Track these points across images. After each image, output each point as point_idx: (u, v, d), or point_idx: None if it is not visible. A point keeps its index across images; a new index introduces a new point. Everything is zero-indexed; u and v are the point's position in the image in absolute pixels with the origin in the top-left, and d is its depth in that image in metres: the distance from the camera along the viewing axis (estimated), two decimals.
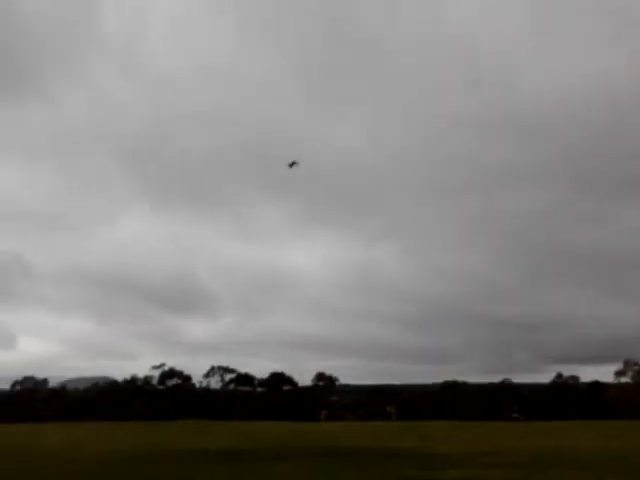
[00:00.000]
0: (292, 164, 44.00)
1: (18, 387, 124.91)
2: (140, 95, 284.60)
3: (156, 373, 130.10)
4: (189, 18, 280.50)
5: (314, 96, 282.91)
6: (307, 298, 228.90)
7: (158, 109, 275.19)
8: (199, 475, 21.98)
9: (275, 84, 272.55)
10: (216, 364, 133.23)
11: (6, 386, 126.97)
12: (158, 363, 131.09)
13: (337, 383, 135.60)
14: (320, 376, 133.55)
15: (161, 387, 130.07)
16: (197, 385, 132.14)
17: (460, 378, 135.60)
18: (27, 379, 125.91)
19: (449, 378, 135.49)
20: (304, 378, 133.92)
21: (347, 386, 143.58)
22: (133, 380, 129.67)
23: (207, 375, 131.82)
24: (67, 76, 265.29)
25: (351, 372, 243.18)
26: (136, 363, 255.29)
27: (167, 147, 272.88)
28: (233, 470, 23.80)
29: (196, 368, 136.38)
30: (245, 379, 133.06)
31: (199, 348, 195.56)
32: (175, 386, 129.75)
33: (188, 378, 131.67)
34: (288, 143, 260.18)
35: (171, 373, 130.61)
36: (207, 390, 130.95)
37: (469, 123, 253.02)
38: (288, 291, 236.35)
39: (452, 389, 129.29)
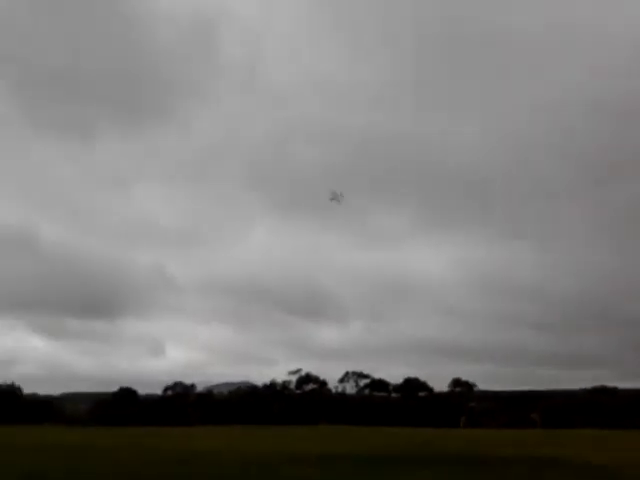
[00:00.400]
0: (334, 198, 43.31)
1: (169, 392, 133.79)
2: (261, 112, 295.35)
3: (293, 378, 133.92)
4: (304, 35, 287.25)
5: (432, 97, 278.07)
6: (436, 301, 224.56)
7: (278, 125, 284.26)
8: (340, 478, 22.09)
9: (390, 90, 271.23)
10: (349, 369, 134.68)
11: (158, 391, 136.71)
12: (294, 368, 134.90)
13: (475, 389, 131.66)
14: (457, 382, 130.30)
15: (298, 392, 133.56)
16: (333, 390, 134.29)
17: (609, 383, 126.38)
18: (177, 384, 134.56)
19: (596, 383, 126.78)
20: (439, 384, 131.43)
21: (485, 392, 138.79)
22: (272, 385, 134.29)
23: (342, 380, 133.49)
24: (193, 102, 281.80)
25: (488, 378, 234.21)
26: (273, 368, 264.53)
27: (292, 160, 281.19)
28: (375, 475, 23.70)
29: (330, 373, 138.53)
30: (380, 384, 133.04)
31: (331, 354, 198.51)
32: (312, 391, 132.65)
33: (324, 383, 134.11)
34: (407, 146, 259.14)
35: (307, 378, 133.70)
36: (343, 395, 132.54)
37: (604, 110, 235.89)
38: (416, 295, 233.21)
39: (601, 394, 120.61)
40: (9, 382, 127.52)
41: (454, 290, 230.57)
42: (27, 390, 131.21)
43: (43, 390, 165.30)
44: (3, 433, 66.72)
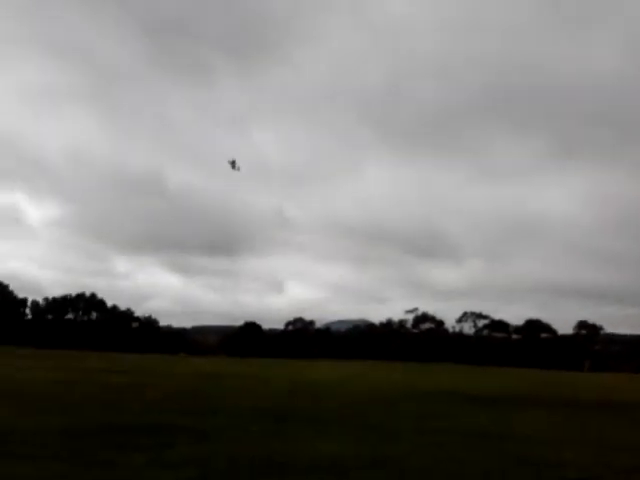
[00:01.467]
0: (233, 164, 44.62)
1: (290, 327, 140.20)
2: (375, 48, 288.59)
3: (409, 317, 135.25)
4: None
5: (561, 21, 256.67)
6: (561, 240, 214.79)
7: (394, 59, 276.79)
8: (456, 415, 22.54)
9: (516, 22, 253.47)
10: (467, 310, 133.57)
11: (280, 326, 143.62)
12: (410, 307, 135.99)
13: (601, 332, 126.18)
14: (582, 324, 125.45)
15: (415, 331, 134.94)
16: (450, 330, 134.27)
17: None
18: (297, 320, 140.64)
19: None
20: (563, 326, 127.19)
21: (612, 335, 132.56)
22: (389, 323, 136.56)
23: (460, 320, 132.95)
24: (305, 40, 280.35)
25: (616, 321, 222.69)
26: (390, 307, 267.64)
27: (406, 96, 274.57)
28: (488, 412, 23.93)
29: (446, 313, 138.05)
30: (499, 325, 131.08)
31: (447, 293, 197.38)
32: (429, 330, 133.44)
33: (441, 323, 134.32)
34: (533, 73, 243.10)
35: (424, 317, 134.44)
36: (460, 335, 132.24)
37: None
38: (538, 233, 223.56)
39: None
40: (147, 315, 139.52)
41: (581, 228, 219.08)
42: (162, 323, 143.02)
43: (176, 323, 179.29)
44: (147, 359, 73.71)
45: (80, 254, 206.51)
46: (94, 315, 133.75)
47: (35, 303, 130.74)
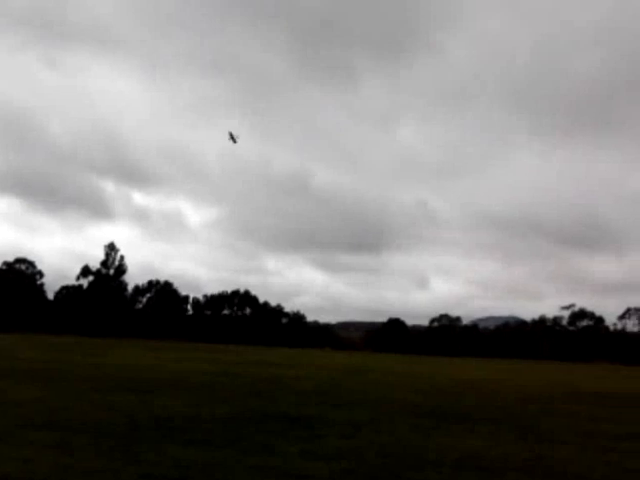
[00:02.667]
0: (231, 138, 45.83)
1: (435, 324, 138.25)
2: (522, 29, 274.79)
3: (565, 314, 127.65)
4: None
5: None
6: None
7: (543, 40, 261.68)
8: (619, 418, 20.96)
9: None
10: (631, 305, 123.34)
11: (424, 322, 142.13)
12: (566, 303, 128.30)
13: None
14: None
15: (571, 328, 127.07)
16: (611, 327, 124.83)
17: None
18: (442, 317, 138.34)
19: None
20: None
21: None
22: (542, 320, 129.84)
23: (622, 317, 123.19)
24: (449, 27, 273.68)
25: None
26: (542, 303, 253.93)
27: (559, 74, 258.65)
28: None
29: (606, 309, 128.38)
30: None
31: (607, 288, 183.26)
32: (586, 327, 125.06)
33: (600, 319, 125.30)
34: None
35: (581, 314, 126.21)
36: (622, 333, 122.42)
37: None
38: None
39: None
40: (296, 310, 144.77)
41: None
42: (310, 318, 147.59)
43: (322, 318, 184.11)
44: (296, 353, 76.60)
45: (234, 253, 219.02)
46: (248, 311, 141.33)
47: (195, 300, 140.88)
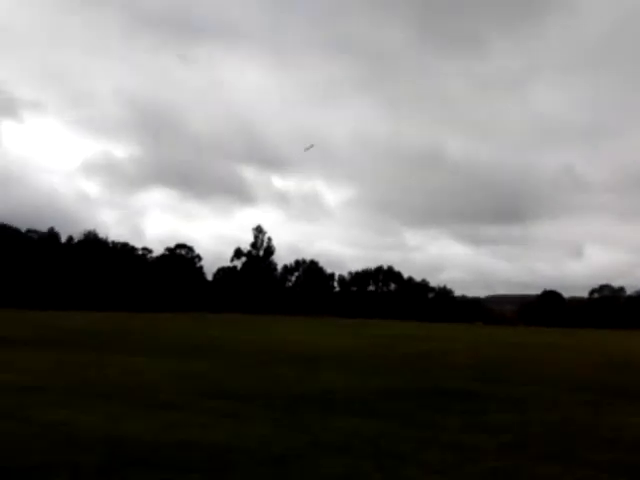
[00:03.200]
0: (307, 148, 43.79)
1: (596, 295, 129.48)
2: None
3: None
4: None
5: None
6: None
7: None
8: None
9: None
10: None
11: (583, 294, 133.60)
12: None
13: None
14: None
15: None
16: None
17: None
18: (604, 287, 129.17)
19: None
20: None
21: None
22: None
23: None
24: None
25: None
26: None
27: None
28: None
29: None
30: None
31: None
32: None
33: None
34: None
35: None
36: None
37: None
38: None
39: None
40: (442, 285, 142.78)
41: None
42: (457, 293, 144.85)
43: (470, 293, 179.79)
44: (445, 328, 75.66)
45: (374, 230, 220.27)
46: (392, 286, 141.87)
47: (341, 277, 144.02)
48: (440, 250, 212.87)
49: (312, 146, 56.46)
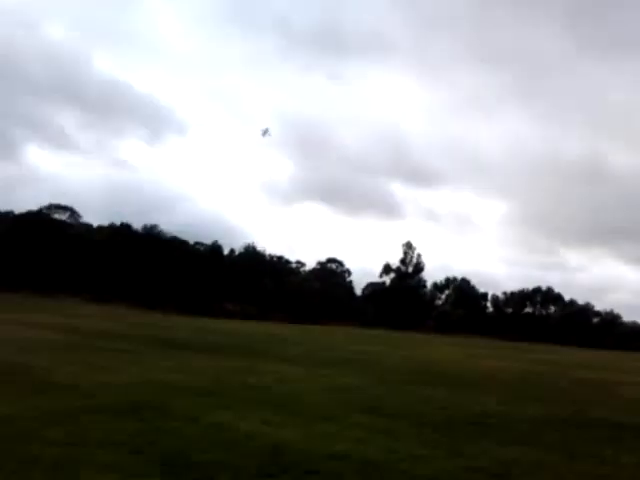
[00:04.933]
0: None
1: None
2: None
3: None
4: None
5: None
6: None
7: None
8: None
9: None
10: None
11: None
12: None
13: None
14: None
15: None
16: None
17: None
18: None
19: None
20: None
21: None
22: None
23: None
24: None
25: None
26: None
27: None
28: None
29: None
30: None
31: None
32: None
33: None
34: None
35: None
36: None
37: None
38: None
39: None
40: (607, 309, 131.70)
41: None
42: (625, 318, 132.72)
43: None
44: (613, 356, 69.64)
45: (529, 248, 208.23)
46: (552, 309, 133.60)
47: (495, 297, 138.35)
48: (605, 271, 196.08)
49: (267, 130, 56.55)
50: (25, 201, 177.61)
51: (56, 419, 10.60)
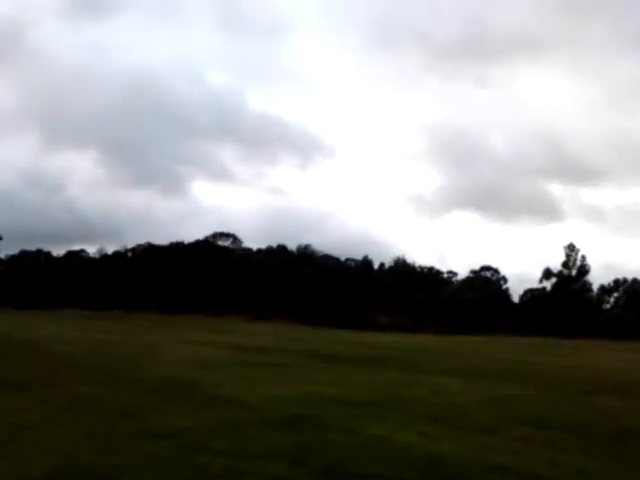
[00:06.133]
0: None
1: None
2: None
3: None
4: None
5: None
6: None
7: None
8: None
9: None
10: None
11: None
12: None
13: None
14: None
15: None
16: None
17: None
18: None
19: None
20: None
21: None
22: None
23: None
24: None
25: None
26: None
27: None
28: None
29: None
30: None
31: None
32: None
33: None
34: None
35: None
36: None
37: None
38: None
39: None
40: None
41: None
42: None
43: None
44: None
45: None
46: None
47: None
48: None
49: None
50: (193, 231, 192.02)
51: (223, 431, 11.33)
